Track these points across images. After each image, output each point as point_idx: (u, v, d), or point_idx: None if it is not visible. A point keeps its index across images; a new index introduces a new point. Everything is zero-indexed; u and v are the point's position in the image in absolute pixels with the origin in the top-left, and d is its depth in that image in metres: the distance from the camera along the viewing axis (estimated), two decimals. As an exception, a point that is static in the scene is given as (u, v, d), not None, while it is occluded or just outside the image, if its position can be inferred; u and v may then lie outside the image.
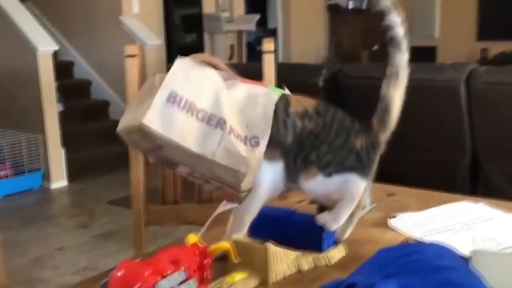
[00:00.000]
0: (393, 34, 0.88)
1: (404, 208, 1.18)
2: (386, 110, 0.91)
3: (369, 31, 7.64)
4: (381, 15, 0.87)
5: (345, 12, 7.41)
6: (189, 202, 1.56)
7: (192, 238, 0.78)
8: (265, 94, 0.91)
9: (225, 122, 0.85)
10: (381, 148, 0.92)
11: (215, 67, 1.47)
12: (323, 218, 0.92)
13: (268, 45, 1.47)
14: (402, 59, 0.88)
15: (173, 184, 1.54)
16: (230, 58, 6.12)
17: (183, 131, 0.83)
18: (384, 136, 0.92)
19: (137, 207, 1.53)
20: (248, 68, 1.79)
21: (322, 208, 0.99)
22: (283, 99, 0.91)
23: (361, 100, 3.12)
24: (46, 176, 4.48)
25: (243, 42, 6.40)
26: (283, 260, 0.89)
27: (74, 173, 4.64)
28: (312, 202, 1.10)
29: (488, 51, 6.83)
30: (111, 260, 3.01)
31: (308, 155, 0.89)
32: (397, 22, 0.88)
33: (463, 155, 2.83)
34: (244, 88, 0.91)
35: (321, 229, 0.92)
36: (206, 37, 5.98)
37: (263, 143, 0.86)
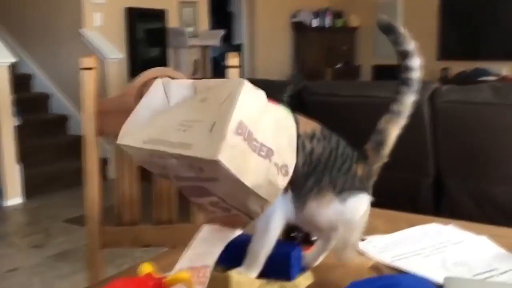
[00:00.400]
0: (409, 76, 0.89)
1: (373, 230, 1.14)
2: (382, 143, 0.91)
3: (332, 49, 7.72)
4: (402, 56, 0.89)
5: (309, 30, 7.47)
6: (146, 223, 1.48)
7: (146, 268, 0.71)
8: (285, 118, 0.85)
9: (272, 153, 0.79)
10: (374, 178, 0.92)
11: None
12: (340, 254, 0.88)
13: (232, 59, 1.42)
14: (410, 100, 0.90)
15: (130, 205, 1.46)
16: (194, 73, 6.06)
17: (243, 165, 0.75)
18: (377, 167, 0.92)
19: (92, 228, 1.44)
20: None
21: (289, 234, 0.94)
22: (294, 119, 0.87)
23: (325, 116, 3.11)
24: (0, 193, 4.29)
25: (207, 57, 6.36)
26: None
27: (30, 189, 4.47)
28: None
29: (449, 70, 6.97)
30: (65, 282, 2.87)
31: (320, 180, 0.85)
32: (416, 66, 0.89)
33: (427, 174, 2.83)
34: (270, 111, 0.83)
35: (287, 255, 0.87)
36: (170, 52, 5.90)
37: (291, 172, 0.81)
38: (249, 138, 0.76)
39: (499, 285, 0.83)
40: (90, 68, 1.41)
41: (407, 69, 0.89)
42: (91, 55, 1.45)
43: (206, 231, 0.88)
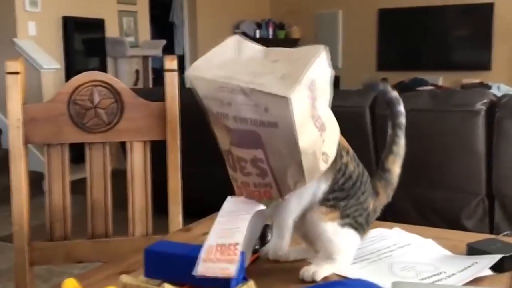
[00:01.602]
0: (402, 120, 0.98)
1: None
2: (390, 183, 0.98)
3: (275, 60, 7.77)
4: (390, 103, 0.98)
5: (252, 40, 7.47)
6: (80, 238, 1.38)
7: (69, 284, 0.64)
8: (332, 116, 0.88)
9: (324, 129, 0.82)
10: (377, 216, 0.96)
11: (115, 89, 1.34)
12: (308, 272, 0.88)
13: (170, 62, 1.36)
14: (403, 141, 0.99)
15: (62, 218, 1.36)
16: (136, 83, 5.92)
17: (303, 121, 0.76)
18: (381, 206, 0.97)
19: (20, 245, 1.33)
20: (153, 92, 1.68)
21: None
22: None
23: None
24: None
25: (149, 67, 6.24)
26: (183, 303, 0.76)
27: (-42, 207, 4.20)
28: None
29: (388, 80, 7.15)
30: (-3, 304, 2.69)
31: (341, 199, 0.88)
32: (403, 112, 0.98)
33: (370, 181, 2.84)
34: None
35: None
36: (110, 62, 5.75)
37: (329, 163, 0.85)
38: (313, 101, 0.77)
39: (447, 289, 0.80)
40: (16, 73, 1.32)
41: (399, 114, 0.97)
42: (16, 59, 1.35)
43: (231, 202, 0.88)
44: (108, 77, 1.37)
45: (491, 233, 2.65)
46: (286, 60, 0.81)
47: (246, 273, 0.84)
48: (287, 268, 0.94)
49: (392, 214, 3.09)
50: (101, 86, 1.36)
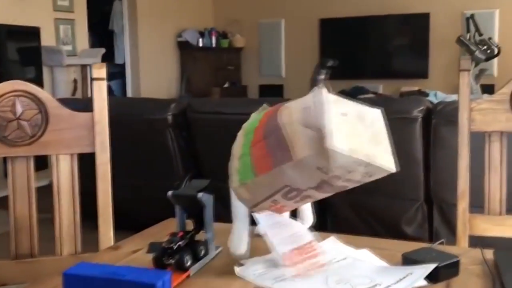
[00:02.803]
0: None
1: (253, 252, 1.06)
2: None
3: (219, 69, 7.73)
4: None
5: (195, 49, 7.41)
6: (3, 259, 1.29)
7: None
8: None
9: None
10: None
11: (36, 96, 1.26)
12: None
13: (98, 71, 1.29)
14: None
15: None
16: (74, 93, 5.73)
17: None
18: None
19: None
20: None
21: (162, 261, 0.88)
22: None
23: (210, 134, 3.05)
24: None
25: (87, 76, 6.06)
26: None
27: None
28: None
29: (330, 88, 7.24)
30: None
31: None
32: None
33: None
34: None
35: (153, 286, 0.75)
36: (46, 71, 5.54)
37: None
38: None
39: (381, 302, 0.78)
40: None
41: None
42: None
43: (263, 220, 0.95)
44: (31, 86, 1.29)
45: (431, 238, 2.70)
46: (352, 115, 0.90)
47: (173, 294, 0.79)
48: (218, 285, 0.90)
49: (334, 223, 3.12)
50: (23, 96, 1.28)
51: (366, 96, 6.23)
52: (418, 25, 7.06)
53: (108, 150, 1.31)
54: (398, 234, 2.67)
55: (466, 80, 1.50)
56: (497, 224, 1.44)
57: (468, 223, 1.46)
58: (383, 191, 2.70)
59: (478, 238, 1.38)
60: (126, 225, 1.65)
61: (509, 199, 1.46)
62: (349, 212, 2.79)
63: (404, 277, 0.87)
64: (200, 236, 1.01)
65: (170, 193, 0.99)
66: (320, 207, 2.85)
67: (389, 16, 7.15)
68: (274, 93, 7.38)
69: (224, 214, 1.05)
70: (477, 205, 1.51)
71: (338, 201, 2.82)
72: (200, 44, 7.49)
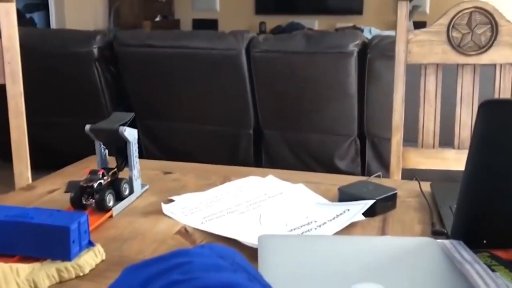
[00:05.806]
0: None
1: (183, 189, 0.99)
2: None
3: (149, 1, 7.36)
4: None
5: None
6: None
7: None
8: None
9: None
10: None
11: None
12: None
13: (3, -9, 1.14)
14: None
15: None
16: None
17: None
18: None
19: None
20: None
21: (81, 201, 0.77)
22: None
23: (138, 68, 2.90)
24: None
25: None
26: (10, 279, 0.62)
27: None
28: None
29: (266, 24, 7.10)
30: None
31: None
32: None
33: (247, 126, 2.79)
34: None
35: (67, 229, 0.67)
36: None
37: None
38: None
39: (314, 239, 0.74)
40: None
41: None
42: None
43: None
44: None
45: (363, 172, 2.73)
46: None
47: (91, 236, 0.71)
48: (143, 225, 0.83)
49: (269, 158, 3.08)
50: None
51: (303, 31, 6.16)
52: (353, -41, 6.96)
53: (21, 82, 1.18)
54: (331, 169, 2.68)
55: (404, 11, 1.45)
56: (430, 157, 1.44)
57: (401, 157, 1.45)
58: (318, 127, 2.68)
59: (410, 171, 1.38)
60: (50, 165, 1.54)
61: (442, 132, 1.46)
62: (283, 149, 2.76)
63: (340, 214, 0.83)
64: (125, 174, 0.93)
65: (88, 127, 0.89)
66: (255, 145, 2.82)
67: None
68: (208, 28, 7.16)
69: (152, 151, 0.97)
70: (409, 139, 1.50)
71: (273, 140, 2.78)
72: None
